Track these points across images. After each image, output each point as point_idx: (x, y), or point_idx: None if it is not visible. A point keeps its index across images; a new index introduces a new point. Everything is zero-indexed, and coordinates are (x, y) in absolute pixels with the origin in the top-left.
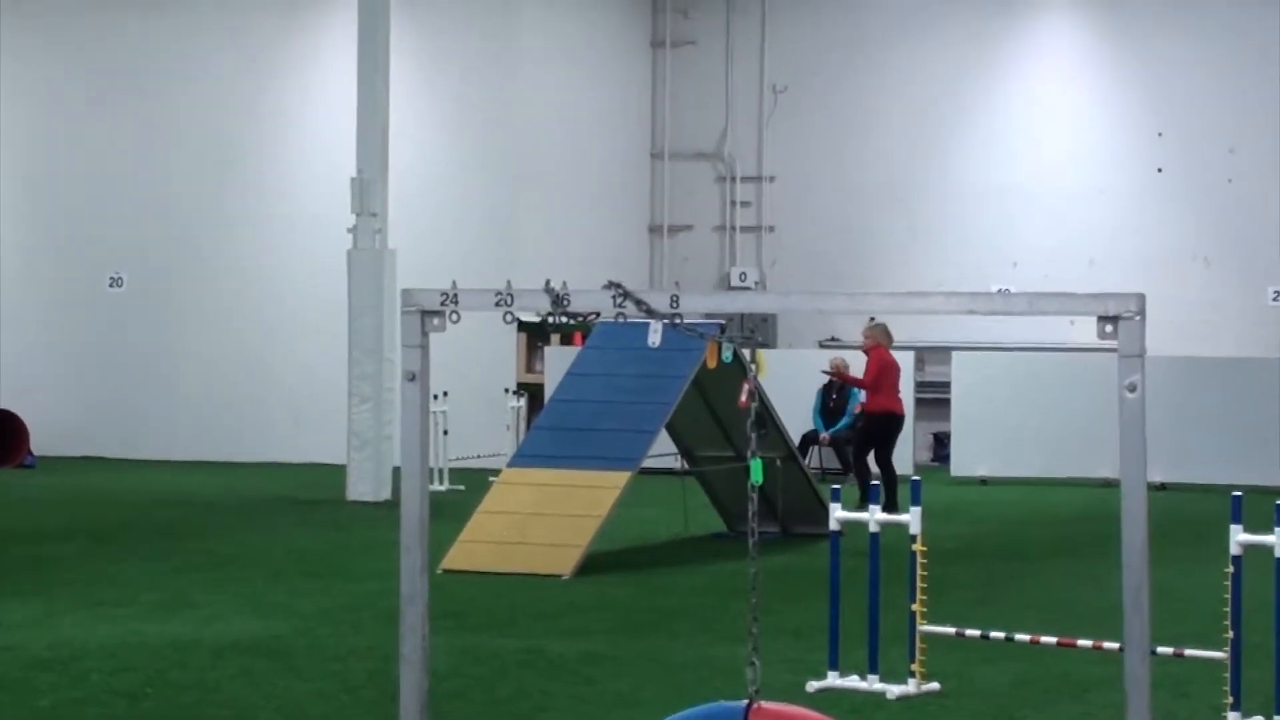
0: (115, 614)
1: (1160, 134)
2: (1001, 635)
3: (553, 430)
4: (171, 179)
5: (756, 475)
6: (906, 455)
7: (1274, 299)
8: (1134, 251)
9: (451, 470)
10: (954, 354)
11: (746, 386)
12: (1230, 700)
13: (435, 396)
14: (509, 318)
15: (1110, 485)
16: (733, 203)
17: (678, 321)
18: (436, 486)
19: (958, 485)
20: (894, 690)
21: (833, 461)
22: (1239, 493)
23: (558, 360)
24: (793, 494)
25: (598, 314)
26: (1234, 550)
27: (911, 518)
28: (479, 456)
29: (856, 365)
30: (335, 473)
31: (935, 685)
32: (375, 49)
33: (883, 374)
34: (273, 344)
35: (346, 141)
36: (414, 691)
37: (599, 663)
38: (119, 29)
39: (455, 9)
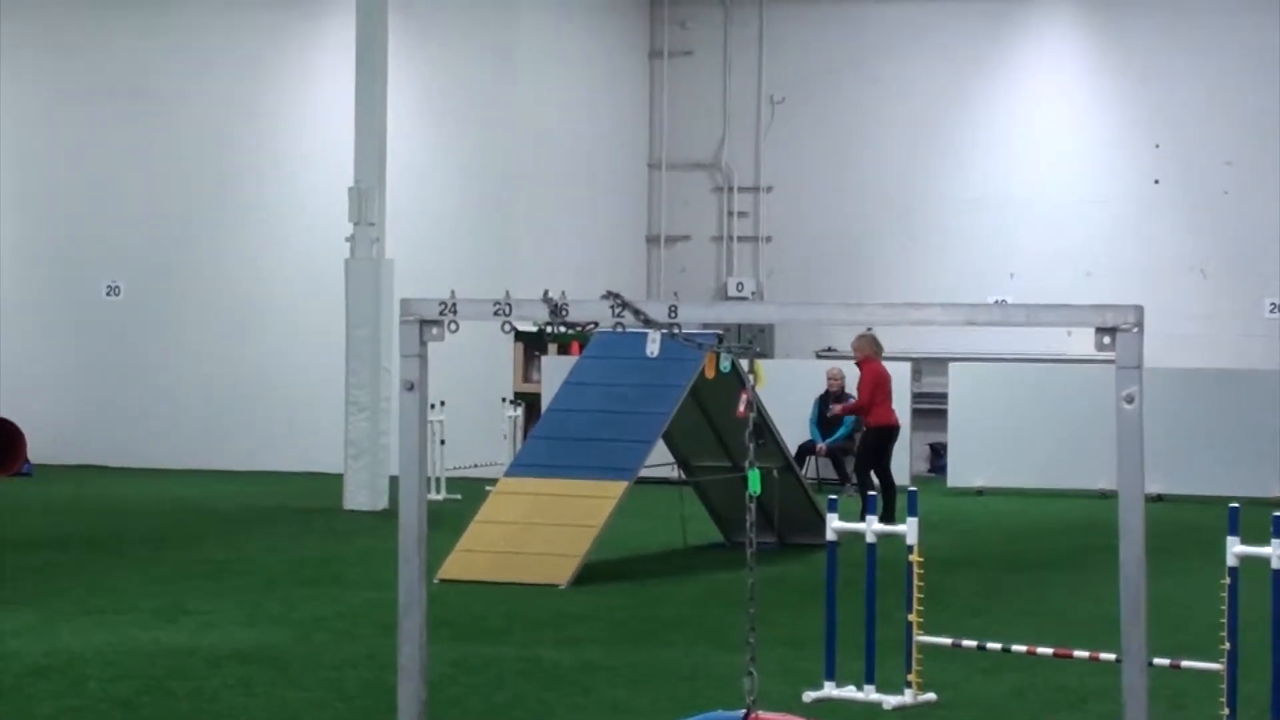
0: (112, 622)
1: (1158, 146)
2: (998, 646)
3: (550, 440)
4: (169, 188)
5: (754, 485)
6: (903, 466)
7: (1271, 311)
8: (1131, 263)
9: (448, 479)
10: (951, 365)
11: (744, 397)
12: (1227, 712)
13: (432, 406)
14: (507, 327)
15: (1107, 496)
16: (730, 213)
17: (676, 331)
18: (433, 496)
19: (954, 496)
20: (890, 701)
21: (830, 472)
22: (1236, 504)
23: (555, 370)
24: (790, 504)
25: (596, 324)
26: (1231, 562)
27: (908, 528)
28: (476, 466)
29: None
30: (332, 482)
31: (932, 696)
32: (373, 59)
33: (878, 388)
34: (270, 353)
35: (344, 151)
36: (411, 700)
37: (596, 672)
38: (117, 38)
39: (454, 19)
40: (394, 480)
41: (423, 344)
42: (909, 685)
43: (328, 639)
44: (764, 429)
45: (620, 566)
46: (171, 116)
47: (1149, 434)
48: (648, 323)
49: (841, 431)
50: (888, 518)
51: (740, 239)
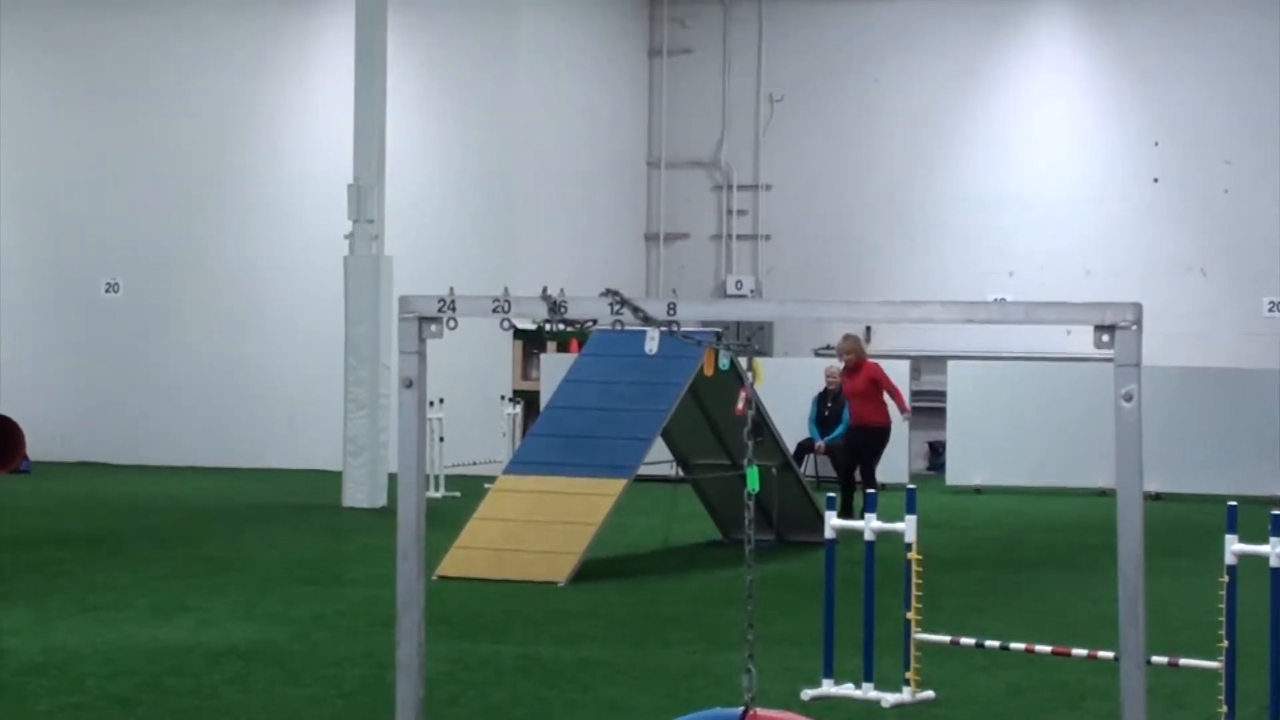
0: (111, 619)
1: (1157, 144)
2: (996, 644)
3: (548, 437)
4: (168, 185)
5: (753, 483)
6: (902, 464)
7: (1270, 310)
8: (1130, 262)
9: (447, 477)
10: (950, 363)
11: (743, 394)
12: (1225, 710)
13: (431, 403)
14: (506, 325)
15: (1106, 494)
16: (729, 211)
17: (674, 329)
18: (432, 493)
19: (953, 494)
20: (889, 699)
21: (829, 470)
22: (1234, 503)
23: (554, 367)
24: (788, 502)
25: (594, 321)
26: (1229, 560)
27: (907, 526)
28: (475, 463)
29: None
30: (331, 479)
31: (930, 694)
32: (372, 56)
33: (881, 386)
34: (269, 350)
35: (343, 148)
36: (409, 698)
37: (594, 670)
38: (116, 37)
39: (452, 17)
40: (393, 477)
41: (421, 341)
42: (907, 683)
43: (326, 636)
44: (762, 426)
45: (619, 564)
46: (171, 114)
47: (1147, 432)
48: (646, 320)
49: (840, 430)
50: (845, 514)
51: (739, 237)
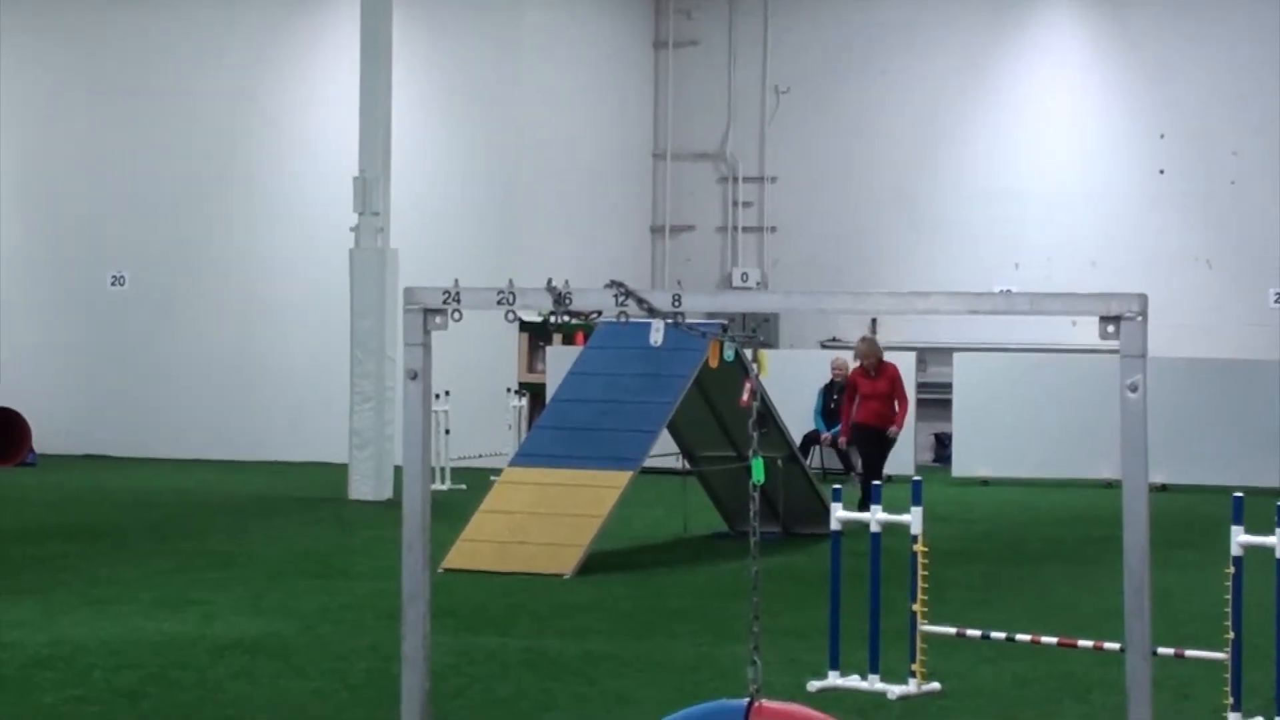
0: (116, 612)
1: (1162, 136)
2: (1002, 636)
3: (554, 430)
4: (174, 178)
5: (758, 474)
6: (908, 456)
7: (1275, 301)
8: (1136, 253)
9: (453, 469)
10: (956, 354)
11: (748, 386)
12: (1231, 701)
13: (437, 396)
14: (511, 316)
15: (1111, 486)
16: (735, 203)
17: (680, 321)
18: (438, 486)
19: (959, 485)
20: (895, 690)
21: (834, 462)
22: (1240, 494)
23: (559, 360)
24: (794, 494)
25: (599, 313)
26: (1235, 551)
27: (912, 518)
28: (480, 456)
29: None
30: (337, 472)
31: (936, 685)
32: (377, 48)
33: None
34: (274, 343)
35: (349, 141)
36: (415, 690)
37: (599, 662)
38: (121, 27)
39: (458, 9)
40: (399, 470)
41: (426, 333)
42: (913, 675)
43: (332, 629)
44: (768, 418)
45: (625, 556)
46: (177, 107)
47: (1153, 424)
48: (652, 312)
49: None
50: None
51: (745, 229)
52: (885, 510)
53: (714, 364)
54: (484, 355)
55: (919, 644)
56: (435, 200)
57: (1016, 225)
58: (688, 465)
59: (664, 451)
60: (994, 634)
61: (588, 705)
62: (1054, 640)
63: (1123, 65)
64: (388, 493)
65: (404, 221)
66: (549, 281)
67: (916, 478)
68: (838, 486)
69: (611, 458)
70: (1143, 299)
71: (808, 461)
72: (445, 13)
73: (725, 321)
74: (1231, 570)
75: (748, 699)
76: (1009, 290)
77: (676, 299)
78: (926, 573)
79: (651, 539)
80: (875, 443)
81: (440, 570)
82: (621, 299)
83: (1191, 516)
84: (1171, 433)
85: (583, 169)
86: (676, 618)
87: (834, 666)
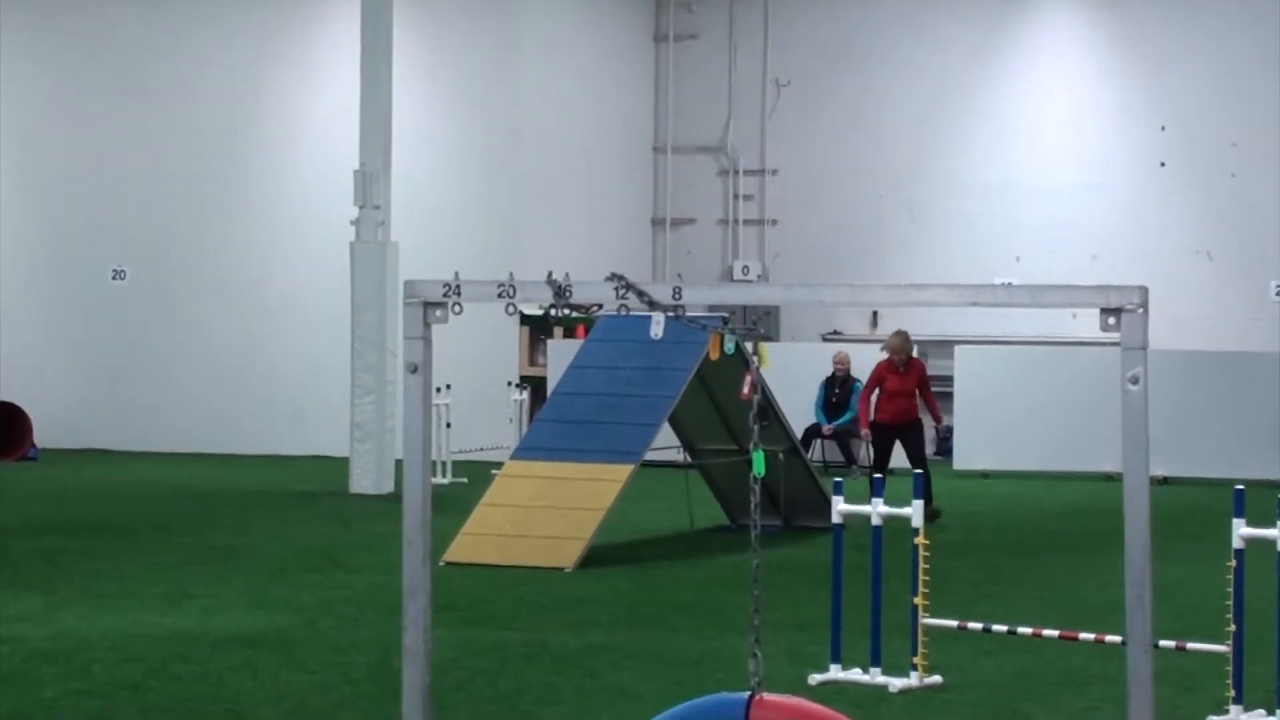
0: (117, 606)
1: (1163, 128)
2: (1004, 629)
3: (555, 423)
4: (174, 172)
5: (759, 467)
6: None
7: (1276, 293)
8: (1136, 246)
9: (454, 463)
10: (957, 347)
11: (749, 379)
12: (1232, 694)
13: (438, 389)
14: (511, 309)
15: (1112, 479)
16: (735, 196)
17: (680, 314)
18: (439, 479)
19: (960, 478)
20: (896, 683)
21: (835, 455)
22: (1241, 486)
23: (560, 353)
24: (795, 487)
25: (600, 306)
26: (1236, 544)
27: (913, 511)
28: (481, 449)
29: (856, 361)
30: (338, 465)
31: (937, 678)
32: (378, 41)
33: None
34: (275, 336)
35: (349, 134)
36: (416, 684)
37: (601, 655)
38: (121, 21)
39: (458, 2)
40: (400, 464)
41: (427, 326)
42: (915, 668)
43: (333, 623)
44: (768, 411)
45: (626, 550)
46: (178, 101)
47: (1154, 416)
48: (652, 305)
49: (847, 415)
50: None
51: (745, 222)
52: (886, 503)
53: (715, 357)
54: (485, 348)
55: (920, 637)
56: (436, 193)
57: (1017, 218)
58: (689, 458)
59: (665, 444)
60: (995, 627)
61: (589, 698)
62: (1055, 633)
63: (1124, 58)
64: (389, 486)
65: (404, 214)
66: (549, 274)
67: (917, 470)
68: (839, 479)
69: (613, 451)
70: (1143, 291)
71: (809, 455)
72: (446, 6)
73: (726, 314)
74: (1233, 563)
75: (749, 692)
76: (1010, 283)
77: (677, 292)
78: (928, 566)
79: (653, 532)
80: (910, 434)
81: (441, 564)
82: (622, 292)
83: (1193, 509)
84: (1172, 425)
85: (583, 162)
86: (678, 611)
87: (835, 659)
